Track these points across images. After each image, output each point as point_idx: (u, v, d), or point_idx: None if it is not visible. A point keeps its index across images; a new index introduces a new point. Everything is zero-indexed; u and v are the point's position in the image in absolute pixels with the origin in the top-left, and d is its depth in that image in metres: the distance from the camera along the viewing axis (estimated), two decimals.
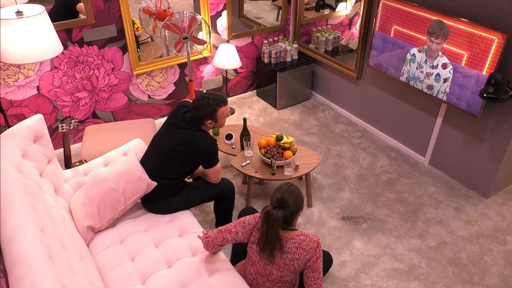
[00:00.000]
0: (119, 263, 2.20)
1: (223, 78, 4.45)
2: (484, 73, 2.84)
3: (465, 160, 3.36)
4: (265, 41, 4.42)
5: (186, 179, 2.63)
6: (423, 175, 3.57)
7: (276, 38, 4.54)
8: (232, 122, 4.29)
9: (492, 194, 3.33)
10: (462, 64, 2.96)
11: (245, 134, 3.16)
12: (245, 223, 2.08)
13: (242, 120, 3.78)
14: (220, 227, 2.14)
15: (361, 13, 3.73)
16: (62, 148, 3.00)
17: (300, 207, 1.98)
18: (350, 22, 4.03)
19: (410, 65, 3.34)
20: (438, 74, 3.15)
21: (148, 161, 2.48)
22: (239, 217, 2.46)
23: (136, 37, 3.70)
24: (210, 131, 3.40)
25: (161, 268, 2.17)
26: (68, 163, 2.89)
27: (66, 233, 2.10)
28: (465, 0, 2.90)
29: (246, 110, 4.50)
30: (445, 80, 3.12)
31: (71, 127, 2.79)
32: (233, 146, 3.29)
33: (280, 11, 4.49)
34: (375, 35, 3.57)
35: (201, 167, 2.64)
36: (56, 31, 3.07)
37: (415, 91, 3.54)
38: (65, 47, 3.39)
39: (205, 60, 4.23)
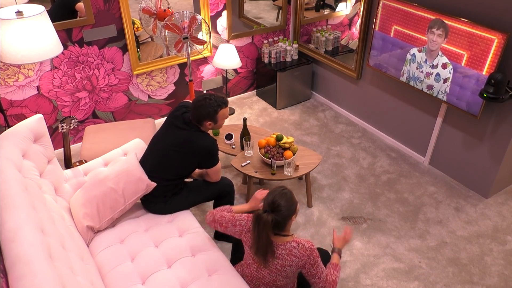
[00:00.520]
0: (119, 263, 2.20)
1: (223, 78, 4.45)
2: (484, 73, 2.84)
3: (465, 160, 3.36)
4: (265, 41, 4.42)
5: (186, 179, 2.63)
6: (423, 175, 3.57)
7: (276, 38, 4.54)
8: (232, 122, 4.29)
9: (492, 194, 3.33)
10: (462, 64, 2.96)
11: (245, 134, 3.16)
12: (236, 222, 2.07)
13: (242, 120, 3.78)
14: (217, 216, 2.15)
15: (361, 13, 3.73)
16: (62, 148, 3.00)
17: (293, 212, 1.91)
18: (350, 22, 4.03)
19: (410, 65, 3.34)
20: (438, 74, 3.15)
21: (148, 162, 2.48)
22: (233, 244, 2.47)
23: (136, 37, 3.70)
24: (210, 132, 3.40)
25: (161, 268, 2.17)
26: (68, 163, 2.89)
27: (66, 233, 2.10)
28: (465, 0, 2.90)
29: (246, 110, 4.50)
30: (445, 80, 3.12)
31: (71, 127, 2.79)
32: (233, 146, 3.29)
33: (280, 11, 4.49)
34: (375, 35, 3.57)
35: (197, 170, 2.64)
36: (56, 31, 3.07)
37: (415, 91, 3.54)
38: (65, 47, 3.39)
39: (205, 60, 4.23)
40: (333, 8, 4.23)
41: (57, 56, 3.27)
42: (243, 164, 3.04)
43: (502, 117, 2.97)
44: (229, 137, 3.32)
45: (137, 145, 2.89)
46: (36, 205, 1.97)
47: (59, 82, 3.51)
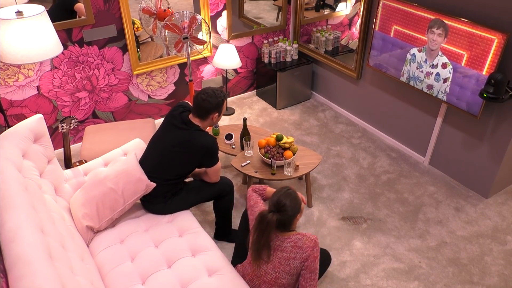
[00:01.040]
0: (119, 263, 2.20)
1: (223, 78, 4.45)
2: (484, 73, 2.84)
3: (465, 160, 3.36)
4: (265, 41, 4.42)
5: (185, 179, 2.63)
6: (423, 175, 3.57)
7: (276, 38, 4.54)
8: (232, 122, 4.29)
9: (492, 194, 3.33)
10: (462, 64, 2.96)
11: (245, 134, 3.16)
12: (253, 208, 2.14)
13: (242, 120, 3.78)
14: (251, 192, 2.28)
15: (361, 13, 3.73)
16: (62, 148, 3.00)
17: (298, 211, 1.96)
18: (350, 22, 4.03)
19: (410, 65, 3.34)
20: (438, 74, 3.15)
21: (147, 162, 2.48)
22: (243, 216, 2.44)
23: (136, 37, 3.70)
24: (210, 132, 3.40)
25: (161, 268, 2.17)
26: (68, 163, 2.89)
27: (66, 233, 2.10)
28: (465, 0, 2.90)
29: (246, 110, 4.50)
30: (445, 80, 3.12)
31: (71, 127, 2.79)
32: (233, 146, 3.29)
33: (280, 11, 4.49)
34: (375, 35, 3.57)
35: (197, 169, 2.64)
36: (56, 31, 3.08)
37: (415, 91, 3.54)
38: (65, 47, 3.39)
39: (205, 60, 4.23)
40: (333, 8, 4.23)
41: (57, 56, 3.27)
42: (243, 164, 3.04)
43: (502, 117, 2.97)
44: (229, 137, 3.32)
45: (137, 145, 2.89)
46: (36, 205, 1.97)
47: (59, 82, 3.51)
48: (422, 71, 3.26)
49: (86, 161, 2.96)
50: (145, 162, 2.48)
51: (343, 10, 4.09)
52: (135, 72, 3.80)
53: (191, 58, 4.02)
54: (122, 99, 3.90)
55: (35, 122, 2.41)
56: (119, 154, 2.85)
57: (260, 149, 3.05)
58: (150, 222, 2.47)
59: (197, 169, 2.64)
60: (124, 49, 3.68)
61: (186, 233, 2.40)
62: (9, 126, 3.10)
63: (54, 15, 3.14)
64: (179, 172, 2.48)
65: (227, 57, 4.00)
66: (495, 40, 2.70)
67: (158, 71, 3.98)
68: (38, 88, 3.44)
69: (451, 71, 3.05)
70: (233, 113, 4.44)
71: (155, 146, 2.49)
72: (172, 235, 2.38)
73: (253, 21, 4.40)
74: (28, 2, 3.03)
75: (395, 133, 3.91)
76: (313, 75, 4.65)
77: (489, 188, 3.26)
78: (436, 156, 3.59)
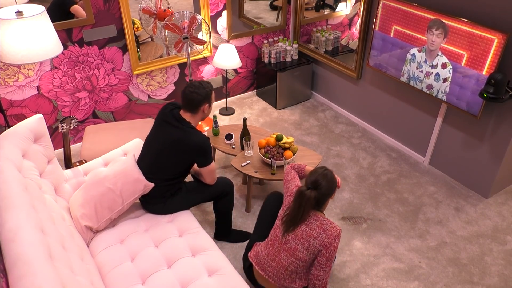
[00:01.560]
0: (119, 263, 2.20)
1: (223, 78, 4.45)
2: (484, 73, 2.84)
3: (465, 160, 3.36)
4: (265, 41, 4.42)
5: (185, 179, 2.63)
6: (423, 175, 3.57)
7: (276, 38, 4.54)
8: (232, 122, 4.29)
9: (492, 194, 3.33)
10: (462, 64, 2.96)
11: (245, 134, 3.16)
12: (289, 183, 2.26)
13: (242, 120, 3.78)
14: (293, 169, 2.40)
15: (361, 13, 3.73)
16: (62, 148, 3.00)
17: (333, 191, 2.08)
18: (350, 22, 4.04)
19: (410, 65, 3.35)
20: (437, 74, 3.15)
21: (143, 163, 2.46)
22: (264, 203, 2.53)
23: (136, 37, 3.70)
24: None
25: (161, 268, 2.17)
26: (68, 163, 2.89)
27: (66, 233, 2.10)
28: (465, 0, 2.91)
29: (246, 110, 4.50)
30: (445, 80, 3.12)
31: (71, 127, 2.79)
32: (233, 146, 3.29)
33: (280, 11, 4.49)
34: (375, 35, 3.57)
35: (195, 166, 2.63)
36: (56, 31, 3.08)
37: (415, 91, 3.54)
38: (65, 47, 3.39)
39: (205, 60, 4.23)
40: (333, 8, 4.23)
41: (57, 56, 3.27)
42: (243, 164, 3.04)
43: (502, 117, 2.97)
44: (229, 137, 3.32)
45: (137, 145, 2.89)
46: (36, 205, 1.97)
47: (59, 82, 3.51)
48: (422, 71, 3.26)
49: (86, 161, 2.97)
50: (141, 163, 2.48)
51: (343, 10, 4.09)
52: (135, 72, 3.80)
53: (191, 58, 4.02)
54: (122, 99, 3.90)
55: (35, 122, 2.41)
56: (119, 154, 2.85)
57: (260, 149, 3.05)
58: (150, 222, 2.47)
59: (196, 168, 2.64)
60: (124, 49, 3.68)
61: (186, 233, 2.40)
62: (9, 126, 3.11)
63: (52, 15, 3.14)
64: (174, 172, 2.46)
65: (227, 57, 4.00)
66: (495, 40, 2.70)
67: (158, 71, 3.98)
68: (38, 88, 3.44)
69: (451, 71, 3.05)
70: (233, 113, 4.44)
71: (150, 146, 2.47)
72: (172, 235, 2.38)
73: (253, 21, 4.40)
74: (28, 2, 3.02)
75: (395, 133, 3.91)
76: (313, 75, 4.65)
77: (489, 188, 3.26)
78: (436, 156, 3.59)
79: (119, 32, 3.57)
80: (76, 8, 3.29)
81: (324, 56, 4.33)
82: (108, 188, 2.36)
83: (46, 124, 3.29)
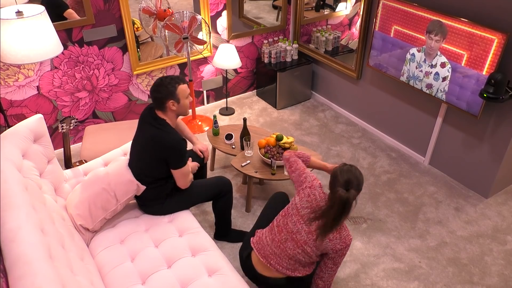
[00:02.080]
0: (119, 263, 2.20)
1: (223, 78, 4.45)
2: (484, 73, 2.84)
3: (465, 160, 3.36)
4: (265, 41, 4.42)
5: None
6: (423, 175, 3.57)
7: (276, 38, 4.54)
8: (232, 122, 4.29)
9: (492, 194, 3.33)
10: (462, 64, 2.96)
11: (245, 134, 3.16)
12: (302, 175, 2.16)
13: (242, 120, 3.78)
14: (293, 157, 2.31)
15: (361, 13, 3.73)
16: (62, 148, 3.00)
17: (360, 189, 1.98)
18: (350, 22, 4.04)
19: (410, 64, 3.35)
20: (437, 73, 3.16)
21: (131, 165, 2.45)
22: (269, 201, 2.47)
23: (136, 37, 3.70)
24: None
25: (161, 268, 2.17)
26: (68, 163, 2.89)
27: (66, 233, 2.10)
28: (465, 0, 2.91)
29: (246, 110, 4.50)
30: (444, 79, 3.12)
31: (71, 127, 2.79)
32: (233, 146, 3.29)
33: (280, 11, 4.49)
34: (375, 35, 3.57)
35: (193, 164, 2.62)
36: (56, 31, 3.08)
37: (415, 91, 3.54)
38: (65, 47, 3.39)
39: (205, 60, 4.23)
40: (333, 8, 4.23)
41: (57, 56, 3.27)
42: (243, 164, 3.04)
43: (502, 117, 2.97)
44: (229, 137, 3.32)
45: None
46: (36, 205, 1.97)
47: (59, 82, 3.51)
48: (421, 71, 3.26)
49: (86, 161, 2.97)
50: (130, 166, 2.45)
51: (343, 10, 4.09)
52: (135, 72, 3.80)
53: (191, 58, 4.02)
54: (122, 99, 3.90)
55: (35, 122, 2.41)
56: (119, 154, 2.85)
57: (260, 149, 3.05)
58: (150, 222, 2.47)
59: (193, 166, 2.62)
60: (124, 49, 3.68)
61: (186, 233, 2.40)
62: (9, 126, 3.10)
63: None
64: (159, 172, 2.40)
65: (227, 57, 4.00)
66: (495, 40, 2.70)
67: (158, 71, 3.98)
68: (38, 88, 3.44)
69: (450, 69, 3.05)
70: (233, 113, 4.44)
71: (133, 148, 2.46)
72: (172, 235, 2.38)
73: (253, 21, 4.40)
74: (28, 2, 3.02)
75: (395, 133, 3.91)
76: (313, 75, 4.65)
77: (489, 188, 3.26)
78: (436, 156, 3.59)
79: (119, 32, 3.57)
80: (70, 13, 3.28)
81: (324, 56, 4.33)
82: (102, 188, 2.35)
83: (46, 124, 3.29)
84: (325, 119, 4.37)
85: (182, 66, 4.10)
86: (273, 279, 2.13)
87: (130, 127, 3.37)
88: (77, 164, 2.93)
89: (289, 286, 2.15)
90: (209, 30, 3.93)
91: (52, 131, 3.69)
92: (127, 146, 2.91)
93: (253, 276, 2.22)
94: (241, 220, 3.09)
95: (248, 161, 3.07)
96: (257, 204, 3.22)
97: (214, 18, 4.07)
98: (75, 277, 1.81)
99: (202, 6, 3.89)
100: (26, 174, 2.20)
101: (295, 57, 4.48)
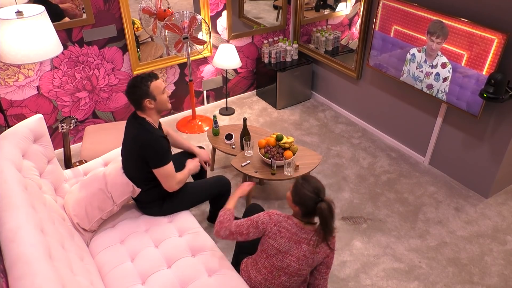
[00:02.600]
0: (119, 263, 2.20)
1: (223, 78, 4.45)
2: (484, 73, 2.84)
3: (465, 160, 3.36)
4: (265, 41, 4.42)
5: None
6: (423, 175, 3.57)
7: (276, 38, 4.54)
8: (232, 122, 4.29)
9: (492, 194, 3.33)
10: (462, 64, 2.96)
11: (245, 134, 3.16)
12: (258, 223, 2.00)
13: (242, 120, 3.78)
14: (232, 228, 2.03)
15: (361, 13, 3.73)
16: (62, 148, 3.00)
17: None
18: (350, 22, 4.04)
19: (410, 65, 3.35)
20: (437, 74, 3.15)
21: (125, 169, 2.43)
22: (244, 215, 2.39)
23: (136, 37, 3.70)
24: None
25: (161, 268, 2.17)
26: (68, 163, 2.89)
27: (66, 233, 2.10)
28: (465, 0, 2.91)
29: (246, 110, 4.50)
30: (445, 80, 3.12)
31: (71, 127, 2.79)
32: (233, 146, 3.29)
33: (280, 11, 4.49)
34: (375, 35, 3.57)
35: (193, 164, 2.62)
36: (56, 31, 3.07)
37: (415, 91, 3.54)
38: (65, 47, 3.39)
39: (205, 60, 4.23)
40: (333, 8, 4.23)
41: (57, 56, 3.27)
42: (243, 164, 3.04)
43: (502, 117, 2.97)
44: (229, 137, 3.32)
45: None
46: (36, 205, 1.97)
47: (59, 82, 3.51)
48: (421, 71, 3.26)
49: (86, 161, 2.97)
50: (124, 169, 2.43)
51: (343, 10, 4.09)
52: (135, 72, 3.80)
53: (191, 58, 4.02)
54: (122, 99, 3.90)
55: (35, 122, 2.41)
56: (119, 154, 2.85)
57: (260, 149, 3.05)
58: (150, 222, 2.47)
59: (192, 166, 2.61)
60: (124, 49, 3.68)
61: (186, 233, 2.40)
62: (9, 126, 3.10)
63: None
64: (145, 175, 2.36)
65: (227, 57, 4.00)
66: (495, 40, 2.70)
67: (158, 71, 3.98)
68: (38, 88, 3.44)
69: (450, 70, 3.05)
70: (233, 113, 4.44)
71: (123, 152, 2.45)
72: (172, 235, 2.38)
73: (253, 21, 4.40)
74: (28, 2, 3.02)
75: (395, 133, 3.91)
76: (313, 75, 4.65)
77: (489, 188, 3.26)
78: (436, 156, 3.59)
79: (119, 32, 3.57)
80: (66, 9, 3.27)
81: (324, 56, 4.33)
82: (99, 189, 2.35)
83: (46, 124, 3.29)
84: (325, 119, 4.37)
85: (182, 66, 4.10)
86: None
87: None
88: (77, 164, 2.93)
89: None
90: (209, 30, 3.93)
91: (52, 131, 3.69)
92: None
93: None
94: None
95: (248, 161, 3.07)
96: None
97: (214, 18, 4.07)
98: (75, 277, 1.81)
99: (202, 6, 3.89)
100: (26, 174, 2.20)
101: (295, 57, 4.48)
